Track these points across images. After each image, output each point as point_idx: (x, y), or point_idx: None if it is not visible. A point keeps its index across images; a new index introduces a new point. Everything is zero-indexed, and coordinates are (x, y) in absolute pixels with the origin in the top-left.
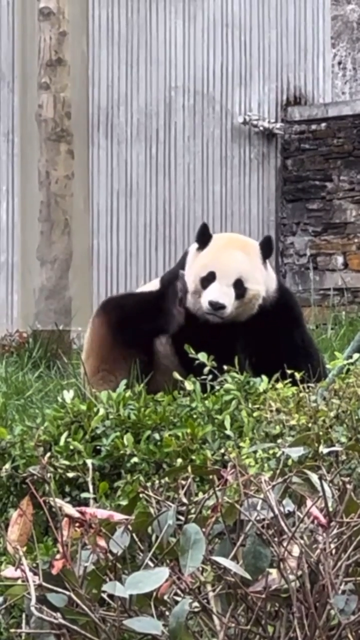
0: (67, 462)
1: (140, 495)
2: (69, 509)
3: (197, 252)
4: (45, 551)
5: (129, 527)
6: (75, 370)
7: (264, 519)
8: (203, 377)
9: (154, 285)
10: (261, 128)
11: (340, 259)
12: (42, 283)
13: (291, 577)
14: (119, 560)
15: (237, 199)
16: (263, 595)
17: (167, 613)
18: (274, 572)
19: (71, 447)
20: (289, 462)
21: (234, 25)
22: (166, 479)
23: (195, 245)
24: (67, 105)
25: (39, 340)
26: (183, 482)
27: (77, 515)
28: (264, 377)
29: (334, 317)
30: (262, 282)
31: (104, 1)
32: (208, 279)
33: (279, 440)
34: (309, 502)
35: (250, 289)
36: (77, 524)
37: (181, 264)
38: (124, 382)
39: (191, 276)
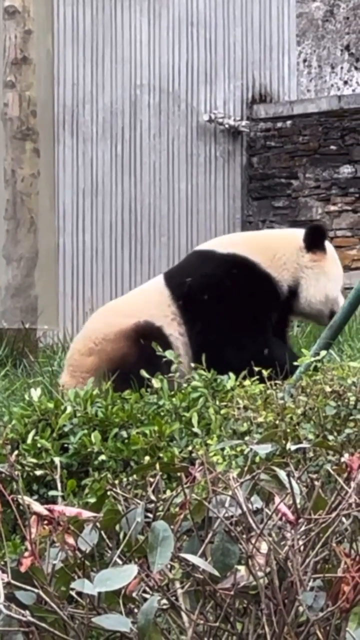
0: (34, 460)
1: (108, 492)
2: (37, 507)
3: (311, 255)
4: (13, 549)
5: (98, 524)
6: (42, 368)
7: (232, 516)
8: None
9: (158, 288)
10: (227, 126)
11: None
12: (8, 281)
13: (260, 574)
14: (88, 557)
15: (202, 197)
16: (231, 592)
17: (135, 610)
18: (242, 569)
19: (39, 445)
20: (257, 459)
21: (199, 23)
22: (134, 476)
23: (298, 244)
24: (32, 104)
25: (5, 338)
26: (151, 480)
27: (45, 513)
28: (232, 375)
29: None
30: None
31: (69, 0)
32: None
33: (247, 438)
34: (277, 499)
35: None
36: (45, 522)
37: (190, 266)
38: (91, 379)
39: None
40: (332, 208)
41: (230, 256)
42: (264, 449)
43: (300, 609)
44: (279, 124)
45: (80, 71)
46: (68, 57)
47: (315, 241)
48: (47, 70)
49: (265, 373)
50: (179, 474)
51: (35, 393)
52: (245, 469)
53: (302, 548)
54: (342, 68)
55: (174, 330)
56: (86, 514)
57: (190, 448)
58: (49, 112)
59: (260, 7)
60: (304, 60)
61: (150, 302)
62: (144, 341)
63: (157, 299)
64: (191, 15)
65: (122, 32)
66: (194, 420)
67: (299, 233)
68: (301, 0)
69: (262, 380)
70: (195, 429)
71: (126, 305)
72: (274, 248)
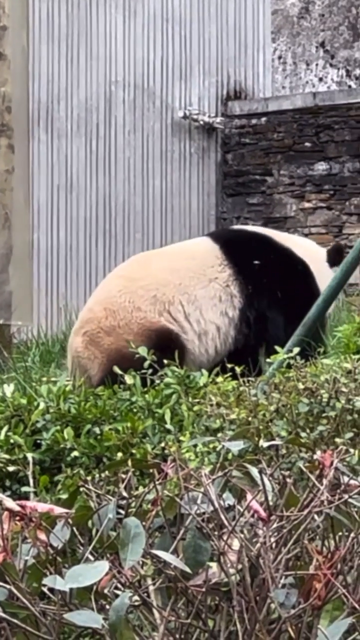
0: (7, 456)
1: (81, 489)
2: (10, 503)
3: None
4: None
5: (69, 520)
6: (15, 364)
7: (204, 513)
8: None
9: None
10: (201, 122)
11: None
12: None
13: (231, 570)
14: (60, 554)
15: (177, 194)
16: (203, 589)
17: (107, 607)
18: (214, 565)
19: (11, 441)
20: (229, 456)
21: (174, 20)
22: (106, 472)
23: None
24: (7, 100)
25: None
26: (123, 476)
27: (17, 509)
28: (204, 371)
29: None
30: None
31: None
32: None
33: (219, 434)
34: (249, 496)
35: None
36: (17, 518)
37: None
38: (64, 374)
39: None
40: (307, 205)
41: (297, 257)
42: (236, 446)
43: (272, 606)
44: (254, 121)
45: (55, 67)
46: (43, 53)
47: (338, 260)
48: (22, 67)
49: (238, 370)
50: (151, 470)
51: (9, 389)
52: (218, 465)
53: (274, 545)
54: (317, 65)
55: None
56: (58, 510)
57: (163, 445)
58: (23, 108)
59: (235, 3)
60: (279, 57)
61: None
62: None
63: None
64: (166, 11)
65: (97, 28)
66: (167, 417)
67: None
68: None
69: (234, 377)
70: (168, 426)
71: (168, 274)
72: (319, 260)
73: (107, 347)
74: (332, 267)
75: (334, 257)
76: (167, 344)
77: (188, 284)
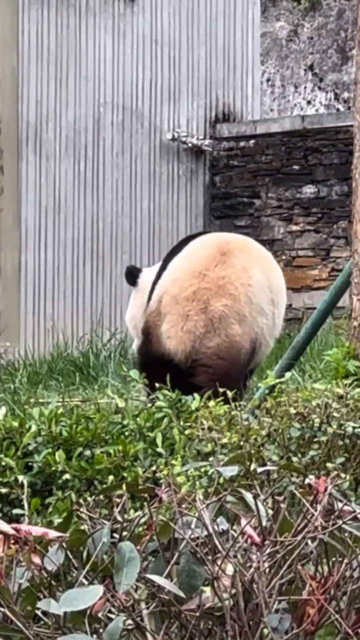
0: None
1: (75, 512)
2: (4, 526)
3: None
4: None
5: (64, 544)
6: (3, 385)
7: (198, 537)
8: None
9: None
10: (190, 145)
11: None
12: None
13: (225, 595)
14: (54, 577)
15: (165, 215)
16: (197, 614)
17: (101, 630)
18: (207, 590)
19: (3, 463)
20: (221, 480)
21: (163, 42)
22: (100, 496)
23: None
24: None
25: None
26: (117, 500)
27: (12, 532)
28: (196, 395)
29: None
30: None
31: (34, 17)
32: None
33: (211, 458)
34: (243, 521)
35: None
36: (11, 541)
37: None
38: (55, 398)
39: None
40: (294, 228)
41: None
42: (230, 471)
43: (265, 631)
44: (242, 143)
45: (44, 89)
46: (32, 74)
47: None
48: (12, 88)
49: (229, 394)
50: (144, 494)
51: (0, 411)
52: (212, 490)
53: (267, 570)
54: (305, 88)
55: None
56: (53, 533)
57: (154, 468)
58: (13, 129)
59: (224, 26)
60: (268, 80)
61: None
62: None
63: None
64: (155, 33)
65: (86, 50)
66: (158, 441)
67: None
68: (265, 20)
69: (226, 401)
70: (160, 449)
71: None
72: None
73: (209, 347)
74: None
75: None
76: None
77: None
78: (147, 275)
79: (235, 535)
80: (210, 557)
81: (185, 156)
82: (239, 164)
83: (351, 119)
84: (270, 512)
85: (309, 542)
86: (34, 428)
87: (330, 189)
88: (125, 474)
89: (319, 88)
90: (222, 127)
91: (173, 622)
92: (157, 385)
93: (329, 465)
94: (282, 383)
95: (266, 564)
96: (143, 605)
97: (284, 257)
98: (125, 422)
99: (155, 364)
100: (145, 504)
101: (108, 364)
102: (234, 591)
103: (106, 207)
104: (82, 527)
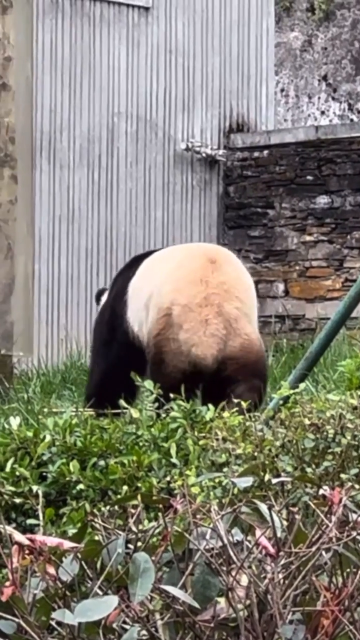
0: (12, 489)
1: (90, 523)
2: (19, 537)
3: None
4: None
5: (79, 555)
6: (17, 394)
7: (212, 548)
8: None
9: None
10: (203, 155)
11: (281, 286)
12: None
13: (239, 606)
14: (68, 588)
15: (179, 225)
16: (211, 624)
17: None
18: (222, 601)
19: (17, 474)
20: (235, 490)
21: (178, 52)
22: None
23: None
24: (11, 130)
25: None
26: (132, 510)
27: (26, 542)
28: (211, 406)
29: (275, 344)
30: None
31: (48, 27)
32: None
33: (225, 469)
34: (257, 532)
35: None
36: (26, 552)
37: None
38: (70, 409)
39: None
40: (308, 238)
41: None
42: (245, 482)
43: None
44: (256, 154)
45: (59, 98)
46: (46, 84)
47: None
48: (26, 97)
49: (244, 404)
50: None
51: (14, 421)
52: (226, 501)
53: (282, 581)
54: (319, 98)
55: None
56: (67, 544)
57: (168, 478)
58: (27, 139)
59: (238, 36)
60: (282, 90)
61: None
62: None
63: None
64: (169, 43)
65: (101, 59)
66: (173, 451)
67: None
68: (279, 30)
69: (240, 412)
70: (174, 460)
71: None
72: None
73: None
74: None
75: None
76: None
77: None
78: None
79: (250, 546)
80: (224, 568)
81: (199, 166)
82: (253, 174)
83: None
84: (285, 523)
85: (324, 553)
86: (48, 438)
87: (344, 199)
88: (139, 485)
89: (333, 98)
90: (236, 137)
91: (187, 632)
92: (171, 395)
93: (343, 476)
94: (296, 394)
95: (281, 575)
96: (157, 616)
97: (297, 268)
98: (139, 433)
99: (176, 374)
100: (159, 514)
101: None
102: (248, 602)
103: (120, 217)
104: (96, 538)
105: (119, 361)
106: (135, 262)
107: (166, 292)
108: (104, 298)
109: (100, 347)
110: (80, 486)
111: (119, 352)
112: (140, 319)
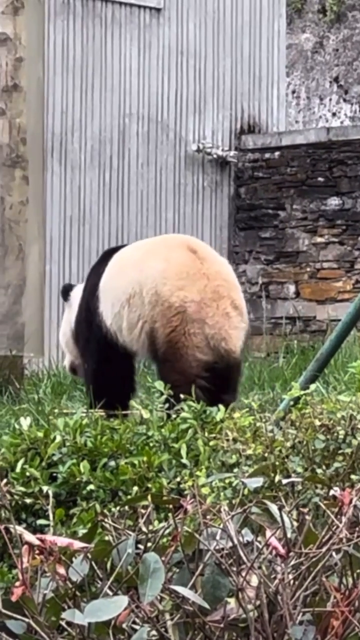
0: (23, 489)
1: (99, 523)
2: (29, 537)
3: None
4: (1, 577)
5: (89, 555)
6: (27, 395)
7: (222, 549)
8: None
9: None
10: (215, 156)
11: (292, 288)
12: None
13: (249, 606)
14: (78, 588)
15: (189, 227)
16: (221, 625)
17: None
18: (232, 601)
19: (27, 474)
20: (245, 491)
21: (189, 53)
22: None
23: None
24: (22, 131)
25: None
26: (142, 511)
27: (37, 542)
28: (221, 407)
29: (285, 346)
30: None
31: (60, 28)
32: None
33: (235, 470)
34: (267, 532)
35: None
36: (37, 552)
37: None
38: (80, 409)
39: None
40: (319, 240)
41: None
42: (255, 483)
43: None
44: (267, 155)
45: (70, 99)
46: (58, 84)
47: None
48: (38, 98)
49: (255, 405)
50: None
51: (25, 422)
52: (237, 501)
53: (292, 582)
54: (330, 100)
55: None
56: (78, 544)
57: (178, 479)
58: (38, 140)
59: (250, 38)
60: (293, 92)
61: None
62: None
63: None
64: (181, 45)
65: (112, 60)
66: (183, 452)
67: None
68: (291, 32)
69: (251, 412)
70: (184, 460)
71: None
72: None
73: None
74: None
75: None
76: None
77: None
78: (77, 292)
79: (260, 546)
80: (235, 569)
81: (210, 167)
82: (264, 176)
83: None
84: (295, 523)
85: (334, 554)
86: (58, 439)
87: (355, 201)
88: (149, 485)
89: (344, 100)
90: (247, 139)
91: (197, 633)
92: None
93: (353, 477)
94: (307, 395)
95: (291, 576)
96: (167, 616)
97: (308, 269)
98: (150, 433)
99: (196, 369)
100: (169, 515)
101: None
102: (258, 602)
103: (131, 218)
104: (106, 538)
105: (101, 357)
106: (106, 257)
107: (168, 289)
108: (74, 294)
109: (86, 346)
110: (91, 487)
111: (97, 348)
112: (114, 313)
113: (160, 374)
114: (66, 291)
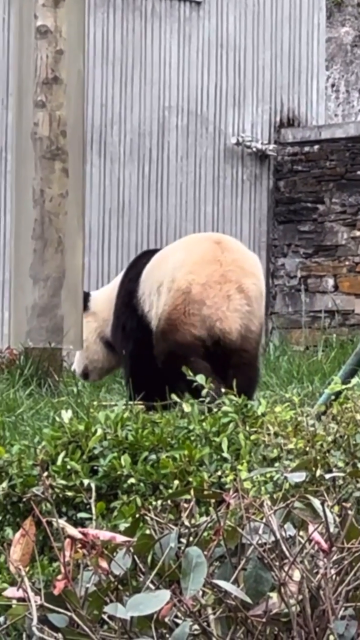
0: (64, 482)
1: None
2: (72, 530)
3: None
4: (41, 570)
5: (131, 549)
6: (66, 388)
7: (265, 543)
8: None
9: None
10: (254, 149)
11: (330, 281)
12: (35, 301)
13: (292, 601)
14: (121, 581)
15: (228, 220)
16: (263, 619)
17: (167, 635)
18: (274, 596)
19: (68, 467)
20: (286, 486)
21: (229, 46)
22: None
23: None
24: (62, 124)
25: (30, 358)
26: (184, 505)
27: (79, 536)
28: (262, 401)
29: (324, 339)
30: None
31: (100, 20)
32: None
33: (277, 464)
34: (310, 527)
35: None
36: (79, 545)
37: None
38: (122, 402)
39: None
40: (358, 233)
41: None
42: (298, 477)
43: (332, 637)
44: (307, 149)
45: (110, 92)
46: (97, 77)
47: None
48: (78, 91)
49: (296, 400)
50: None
51: (66, 415)
52: (279, 496)
53: (334, 577)
54: None
55: None
56: (120, 538)
57: (219, 473)
58: (78, 132)
59: (289, 31)
60: (332, 85)
61: None
62: None
63: None
64: (221, 38)
65: (152, 53)
66: (224, 446)
67: None
68: (330, 25)
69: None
70: (225, 454)
71: None
72: None
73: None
74: None
75: None
76: None
77: None
78: (98, 298)
79: (303, 541)
80: (277, 563)
81: (250, 161)
82: (303, 169)
83: None
84: (337, 518)
85: None
86: (99, 432)
87: None
88: (190, 479)
89: None
90: (286, 132)
91: (239, 627)
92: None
93: None
94: (348, 389)
95: (333, 571)
96: (210, 610)
97: (347, 263)
98: (191, 427)
99: (190, 343)
100: (210, 509)
101: None
102: (300, 597)
103: (170, 211)
104: (148, 532)
105: (138, 344)
106: (147, 255)
107: (182, 274)
108: (92, 304)
109: (124, 336)
110: (131, 480)
111: (135, 336)
112: (150, 301)
113: (156, 348)
114: (85, 301)
